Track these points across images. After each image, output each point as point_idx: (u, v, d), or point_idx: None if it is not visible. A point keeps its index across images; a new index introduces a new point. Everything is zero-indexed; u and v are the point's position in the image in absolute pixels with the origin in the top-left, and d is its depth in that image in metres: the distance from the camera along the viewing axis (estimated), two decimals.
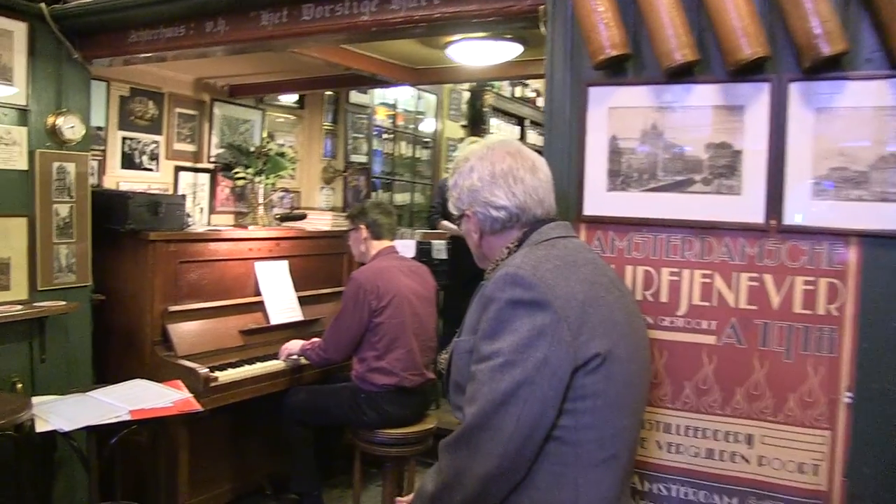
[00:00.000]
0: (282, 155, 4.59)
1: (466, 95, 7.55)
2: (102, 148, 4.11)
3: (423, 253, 5.33)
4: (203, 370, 3.56)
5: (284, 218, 4.59)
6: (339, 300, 4.76)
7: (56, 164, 3.46)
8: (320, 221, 4.77)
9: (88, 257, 3.63)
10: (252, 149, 4.55)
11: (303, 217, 4.62)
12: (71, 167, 3.51)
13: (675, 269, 2.06)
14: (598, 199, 2.14)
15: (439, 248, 5.50)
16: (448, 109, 7.11)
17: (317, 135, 5.45)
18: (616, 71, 2.12)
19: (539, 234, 1.76)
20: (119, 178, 4.20)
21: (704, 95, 2.01)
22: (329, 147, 5.51)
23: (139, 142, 4.29)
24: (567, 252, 1.69)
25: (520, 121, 8.80)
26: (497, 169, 1.79)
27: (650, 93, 2.08)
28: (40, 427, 2.87)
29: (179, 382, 3.42)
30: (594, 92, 2.15)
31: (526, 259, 1.62)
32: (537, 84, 9.14)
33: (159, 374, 3.66)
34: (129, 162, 4.25)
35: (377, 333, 3.71)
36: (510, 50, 3.84)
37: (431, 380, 3.93)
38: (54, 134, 3.43)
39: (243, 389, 3.76)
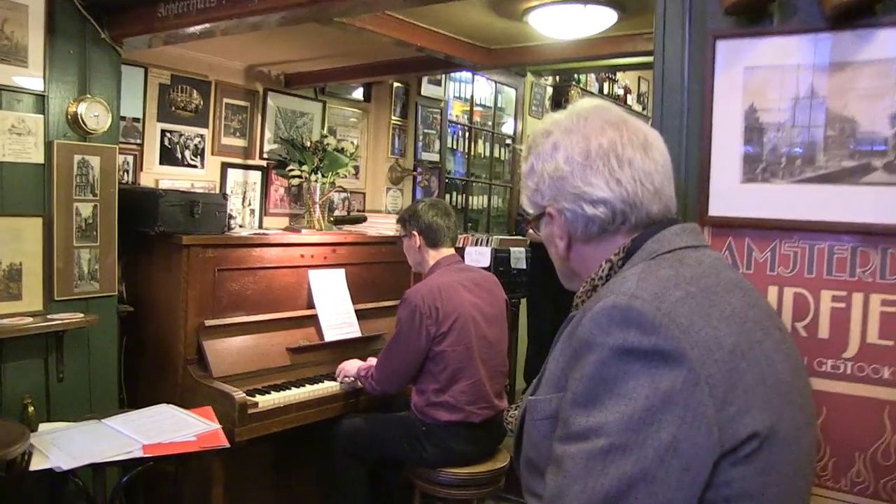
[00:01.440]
0: (341, 150, 4.10)
1: (549, 91, 6.96)
2: (139, 142, 3.69)
3: (501, 261, 4.76)
4: (239, 394, 3.08)
5: (340, 221, 4.09)
6: None
7: (78, 158, 3.03)
8: (383, 225, 4.26)
9: (114, 264, 3.20)
10: (308, 144, 4.07)
11: (362, 220, 4.12)
12: (95, 161, 3.08)
13: (842, 293, 1.45)
14: (729, 195, 1.54)
15: (518, 257, 4.92)
16: (530, 105, 6.53)
17: (384, 130, 4.95)
18: (755, 17, 1.53)
19: (657, 241, 1.20)
20: (158, 175, 3.77)
21: (890, 45, 1.39)
22: (397, 144, 5.01)
23: (181, 135, 3.86)
24: (703, 272, 1.12)
25: None
26: (594, 145, 1.23)
27: (806, 44, 1.47)
28: (37, 464, 2.42)
29: (210, 409, 2.95)
30: (724, 46, 1.55)
31: (643, 283, 1.07)
32: (627, 79, 8.49)
33: (192, 397, 3.21)
34: (169, 157, 3.82)
35: (438, 363, 3.17)
36: (602, 17, 3.23)
37: (503, 411, 3.37)
38: (76, 124, 3.01)
39: (288, 417, 3.26)
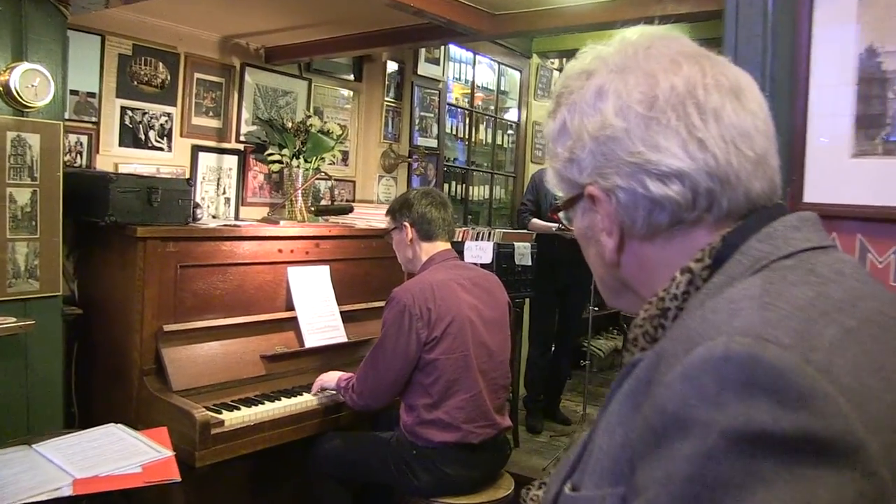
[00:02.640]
0: (326, 133, 3.65)
1: (556, 75, 6.51)
2: (94, 119, 3.24)
3: (504, 258, 4.32)
4: (200, 412, 2.65)
5: (324, 211, 3.64)
6: None
7: (11, 135, 2.59)
8: (374, 217, 3.83)
9: (59, 259, 2.76)
10: (289, 125, 3.63)
11: (348, 210, 3.67)
12: (34, 140, 2.64)
13: None
14: (834, 175, 1.10)
15: (523, 253, 4.48)
16: (535, 89, 6.08)
17: (376, 113, 4.50)
18: None
19: (768, 240, 0.78)
20: (117, 159, 3.33)
21: None
22: (391, 128, 4.56)
23: (145, 113, 3.41)
24: (854, 290, 0.69)
25: None
26: (663, 88, 0.82)
27: None
28: None
29: (164, 431, 2.51)
30: None
31: (771, 313, 0.64)
32: None
33: (148, 413, 2.79)
34: (131, 138, 3.37)
35: (430, 373, 2.73)
36: None
37: (506, 429, 2.94)
38: (8, 95, 2.56)
39: (259, 437, 2.83)
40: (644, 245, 0.86)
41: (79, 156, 3.17)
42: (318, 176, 3.70)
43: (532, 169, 5.91)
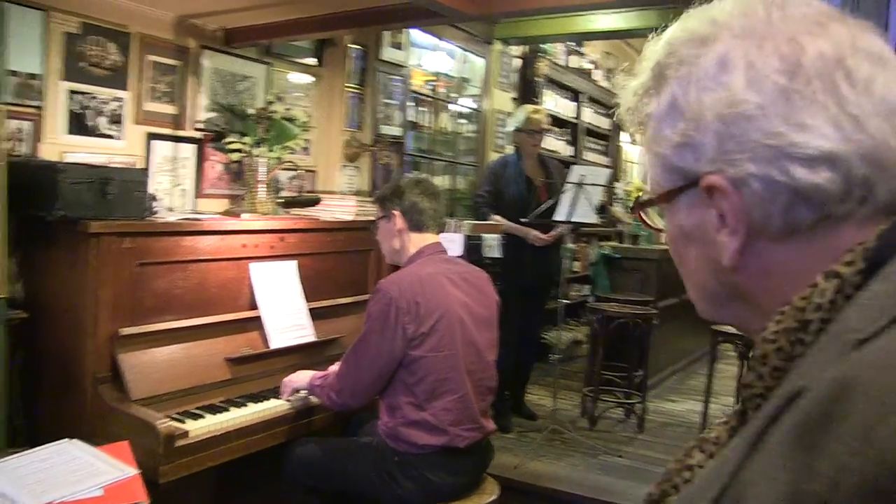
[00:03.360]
0: (290, 119, 3.43)
1: (516, 63, 6.37)
2: (38, 104, 2.96)
3: (472, 250, 4.16)
4: (163, 423, 2.43)
5: (290, 203, 3.43)
6: (362, 314, 3.64)
7: None
8: (340, 209, 3.63)
9: (2, 257, 2.50)
10: (251, 111, 3.40)
11: (316, 202, 3.47)
12: None
13: None
14: None
15: (491, 245, 4.33)
16: (498, 77, 5.92)
17: (338, 99, 4.29)
18: None
19: None
20: (64, 147, 3.06)
21: None
22: (354, 115, 4.35)
23: (94, 98, 3.14)
24: None
25: (575, 96, 7.59)
26: (810, 53, 0.67)
27: None
28: None
29: (126, 445, 2.28)
30: None
31: None
32: (595, 53, 7.95)
33: (105, 426, 2.56)
34: (79, 125, 3.10)
35: (416, 372, 2.56)
36: None
37: (491, 433, 2.78)
38: None
39: (227, 447, 2.62)
40: (775, 245, 0.70)
41: (18, 143, 2.90)
42: (283, 165, 3.48)
43: (494, 157, 5.76)
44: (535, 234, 4.70)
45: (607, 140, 8.63)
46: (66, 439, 2.33)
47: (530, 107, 5.02)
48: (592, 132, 8.16)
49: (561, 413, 4.83)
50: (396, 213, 2.75)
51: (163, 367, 2.70)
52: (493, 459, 2.89)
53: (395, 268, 2.95)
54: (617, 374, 5.67)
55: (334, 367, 2.89)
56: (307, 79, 4.18)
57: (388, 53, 4.50)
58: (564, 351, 6.91)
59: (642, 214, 0.87)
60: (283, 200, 3.37)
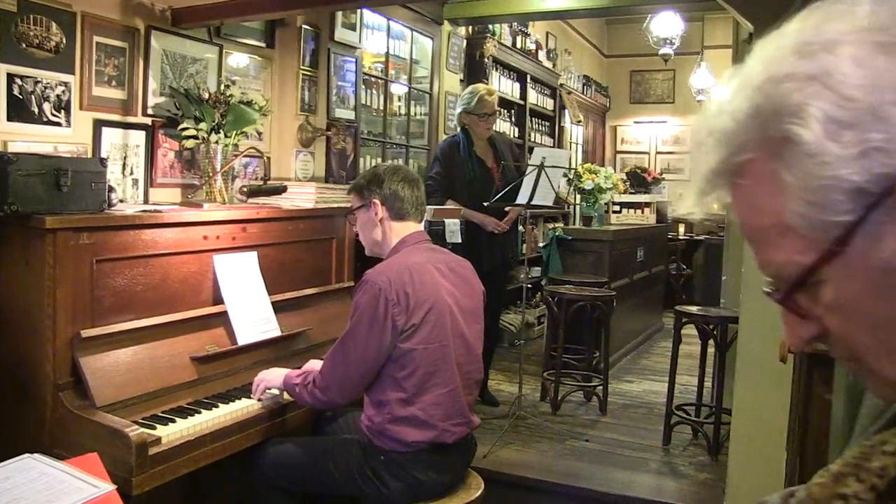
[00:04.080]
0: (248, 104, 3.26)
1: (465, 44, 6.26)
2: None
3: (433, 236, 4.04)
4: (135, 430, 2.27)
5: (256, 192, 3.26)
6: (327, 305, 3.51)
7: None
8: (300, 196, 3.48)
9: None
10: (206, 95, 3.21)
11: (282, 190, 3.31)
12: None
13: None
14: None
15: (453, 230, 4.23)
16: (447, 58, 5.81)
17: (291, 82, 4.11)
18: None
19: None
20: (5, 136, 2.83)
21: None
22: (307, 99, 4.18)
23: (37, 82, 2.92)
24: None
25: (521, 77, 7.52)
26: None
27: None
28: None
29: (95, 457, 2.11)
30: None
31: None
32: (539, 34, 7.90)
33: (68, 436, 2.38)
34: (21, 112, 2.87)
35: (405, 365, 2.45)
36: None
37: (476, 427, 2.69)
38: None
39: (201, 452, 2.47)
40: None
41: None
42: (247, 151, 3.31)
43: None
44: (493, 222, 4.63)
45: (551, 121, 8.60)
46: (27, 454, 2.15)
47: (482, 87, 4.88)
48: (537, 113, 8.12)
49: (522, 398, 4.78)
50: (377, 201, 2.63)
51: (126, 369, 2.53)
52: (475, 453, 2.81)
53: (360, 255, 2.83)
54: (574, 357, 5.65)
55: (310, 364, 2.77)
56: (258, 60, 3.99)
57: (342, 34, 4.35)
58: (516, 334, 6.88)
59: (799, 297, 0.72)
60: (247, 188, 3.20)
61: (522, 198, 4.39)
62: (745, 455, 3.39)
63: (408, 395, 2.45)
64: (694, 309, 4.62)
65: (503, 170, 4.64)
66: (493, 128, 4.92)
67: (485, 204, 4.48)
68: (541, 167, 4.32)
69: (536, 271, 7.12)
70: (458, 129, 4.84)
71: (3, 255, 2.49)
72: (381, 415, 2.48)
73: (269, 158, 3.31)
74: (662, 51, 6.85)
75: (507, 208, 4.68)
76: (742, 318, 3.45)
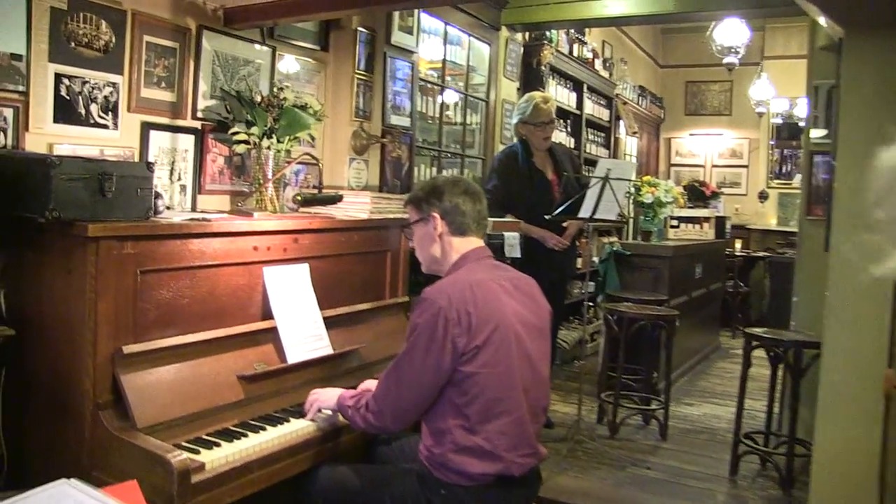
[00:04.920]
0: (302, 107, 3.09)
1: (521, 51, 6.07)
2: (22, 89, 2.60)
3: (493, 250, 3.83)
4: (177, 456, 2.09)
5: (309, 201, 3.09)
6: (381, 321, 3.32)
7: None
8: (355, 206, 3.30)
9: None
10: (259, 98, 3.06)
11: (337, 199, 3.14)
12: None
13: None
14: None
15: (512, 244, 4.03)
16: (505, 64, 5.61)
17: (346, 87, 3.95)
18: None
19: None
20: (52, 138, 2.70)
21: None
22: (362, 104, 4.02)
23: (85, 83, 2.78)
24: None
25: (577, 86, 7.30)
26: None
27: None
28: None
29: (135, 486, 1.94)
30: None
31: None
32: (595, 42, 7.67)
33: (107, 458, 2.22)
34: (68, 113, 2.74)
35: (467, 391, 2.24)
36: None
37: (543, 458, 2.47)
38: None
39: (248, 479, 2.29)
40: None
41: (2, 134, 2.54)
42: (301, 158, 3.14)
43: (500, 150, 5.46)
44: (553, 238, 4.42)
45: (607, 132, 8.36)
46: (63, 480, 1.99)
47: (538, 95, 4.68)
48: (593, 123, 7.88)
49: (574, 419, 4.54)
50: (436, 215, 2.43)
51: (169, 388, 2.37)
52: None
53: (416, 269, 2.64)
54: (631, 378, 5.40)
55: (366, 384, 2.58)
56: (311, 64, 3.83)
57: (398, 37, 4.17)
58: (569, 352, 6.65)
59: None
60: (300, 197, 3.03)
61: (585, 211, 4.17)
62: (828, 494, 3.12)
63: (470, 423, 2.24)
64: (760, 330, 4.34)
65: (564, 182, 4.42)
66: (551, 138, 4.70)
67: (546, 217, 4.27)
68: (605, 179, 4.09)
69: (589, 286, 6.87)
70: (516, 139, 4.64)
71: (43, 263, 2.35)
72: (442, 444, 2.27)
73: (322, 166, 3.12)
74: (726, 60, 6.57)
75: (566, 223, 4.46)
76: (826, 345, 3.18)
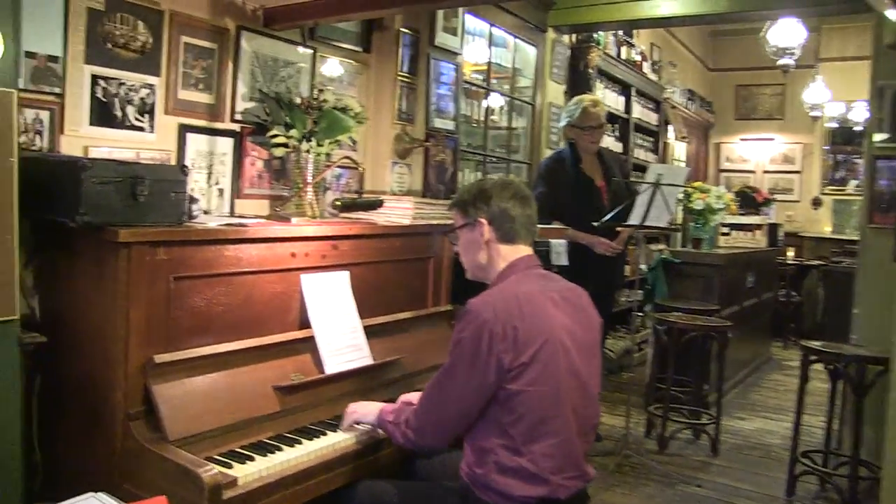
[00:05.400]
0: (343, 110, 3.01)
1: (568, 54, 5.93)
2: (58, 90, 2.55)
3: (539, 257, 3.71)
4: (208, 471, 2.00)
5: (350, 206, 2.99)
6: (423, 331, 3.21)
7: None
8: (396, 212, 3.20)
9: (14, 271, 2.09)
10: (298, 100, 2.97)
11: (378, 204, 3.04)
12: None
13: None
14: None
15: (559, 251, 3.89)
16: (551, 67, 5.48)
17: (388, 89, 3.86)
18: None
19: None
20: (88, 141, 2.64)
21: None
22: (405, 107, 3.92)
23: (121, 84, 2.73)
24: None
25: (625, 89, 7.13)
26: None
27: None
28: None
29: (163, 502, 1.86)
30: None
31: None
32: (643, 45, 7.50)
33: (138, 471, 2.15)
34: (104, 115, 2.68)
35: (513, 410, 2.11)
36: None
37: (591, 480, 2.33)
38: None
39: (282, 495, 2.20)
40: None
41: (37, 136, 2.49)
42: (341, 161, 3.05)
43: (547, 155, 5.32)
44: (604, 243, 4.26)
45: (655, 137, 8.16)
46: (90, 494, 1.92)
47: (587, 97, 4.53)
48: (641, 128, 7.70)
49: (620, 432, 4.38)
50: (483, 220, 2.30)
51: (203, 399, 2.28)
52: None
53: (458, 276, 2.52)
54: (680, 390, 5.22)
55: (407, 397, 2.48)
56: (353, 66, 3.75)
57: (442, 38, 4.07)
58: (615, 361, 6.48)
59: None
60: (340, 202, 2.93)
61: (635, 218, 4.02)
62: None
63: (515, 443, 2.11)
64: (818, 344, 4.13)
65: (614, 188, 4.25)
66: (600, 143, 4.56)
67: (594, 224, 4.12)
68: (656, 185, 3.94)
69: (636, 294, 6.69)
70: (565, 143, 4.51)
71: (73, 269, 2.28)
72: (485, 464, 2.15)
73: (363, 170, 3.02)
74: (781, 62, 6.33)
75: (618, 229, 4.31)
76: None
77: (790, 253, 9.67)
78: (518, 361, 2.08)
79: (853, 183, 10.54)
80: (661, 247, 6.88)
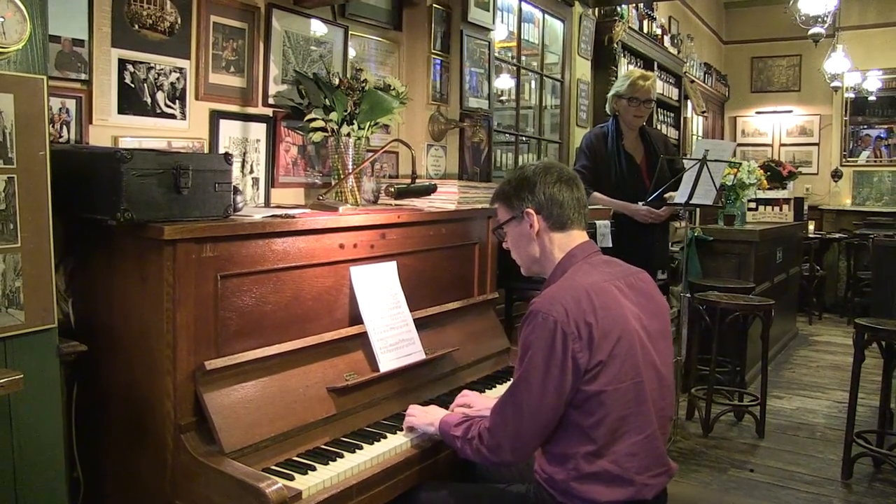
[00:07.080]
0: (384, 89, 2.81)
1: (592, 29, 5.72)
2: (84, 77, 2.35)
3: None
4: (272, 485, 1.83)
5: (405, 192, 2.80)
6: (470, 321, 3.04)
7: None
8: (441, 197, 3.02)
9: (50, 275, 1.91)
10: (337, 81, 2.78)
11: (432, 190, 2.85)
12: (6, 101, 1.78)
13: None
14: None
15: (604, 233, 3.71)
16: (579, 42, 5.27)
17: (421, 68, 3.66)
18: None
19: None
20: (116, 130, 2.45)
21: None
22: (439, 86, 3.72)
23: (150, 68, 2.53)
24: None
25: (648, 64, 6.91)
26: None
27: None
28: None
29: None
30: None
31: None
32: (664, 18, 7.28)
33: (193, 488, 1.98)
34: (133, 102, 2.49)
35: (592, 412, 1.93)
36: None
37: (674, 474, 2.16)
38: None
39: None
40: None
41: (65, 127, 2.30)
42: (389, 146, 2.86)
43: (578, 133, 5.12)
44: (648, 211, 4.07)
45: (676, 112, 7.95)
46: None
47: (638, 71, 4.41)
48: (662, 103, 7.49)
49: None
50: (531, 210, 2.11)
51: (256, 406, 2.12)
52: None
53: (506, 260, 2.34)
54: (719, 371, 5.06)
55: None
56: (385, 43, 3.55)
57: (475, 14, 3.86)
58: None
59: None
60: (394, 189, 2.74)
61: (681, 196, 3.84)
62: None
63: (597, 446, 1.94)
64: (869, 321, 3.96)
65: (658, 167, 4.06)
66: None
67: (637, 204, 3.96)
68: (703, 161, 3.75)
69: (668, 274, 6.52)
70: (610, 117, 4.33)
71: (115, 270, 2.10)
72: (565, 471, 1.97)
73: (413, 154, 2.82)
74: (812, 31, 6.14)
75: (662, 208, 4.13)
76: None
77: (811, 226, 9.50)
78: (595, 360, 1.90)
79: (864, 154, 10.35)
80: (692, 225, 6.70)
